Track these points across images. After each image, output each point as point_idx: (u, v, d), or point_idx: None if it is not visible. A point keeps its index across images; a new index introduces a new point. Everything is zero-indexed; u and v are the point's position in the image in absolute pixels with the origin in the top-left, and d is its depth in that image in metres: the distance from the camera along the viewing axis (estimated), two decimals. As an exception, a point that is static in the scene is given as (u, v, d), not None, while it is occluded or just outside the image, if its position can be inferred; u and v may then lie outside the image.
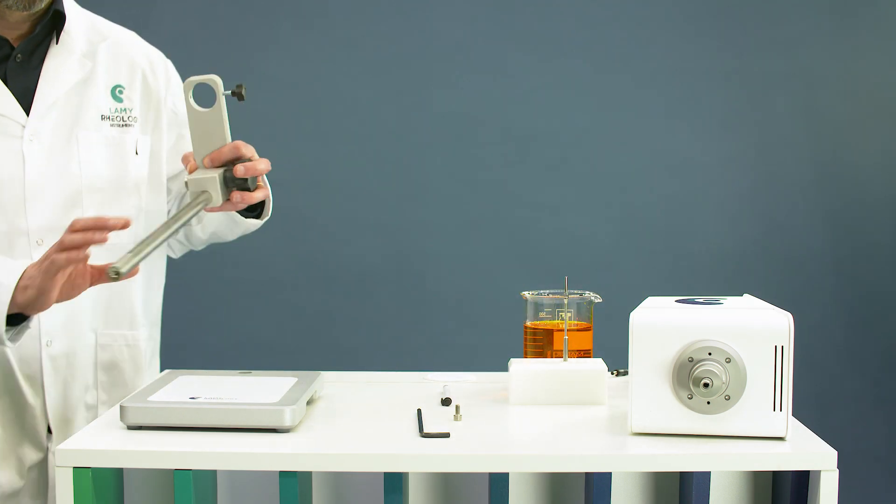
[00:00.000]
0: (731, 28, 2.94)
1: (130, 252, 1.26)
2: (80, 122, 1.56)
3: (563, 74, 2.94)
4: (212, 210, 1.45)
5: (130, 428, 1.26)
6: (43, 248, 1.50)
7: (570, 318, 1.52)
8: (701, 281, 2.89)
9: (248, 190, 1.45)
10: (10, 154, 1.51)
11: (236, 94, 1.47)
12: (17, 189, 1.50)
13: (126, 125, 1.61)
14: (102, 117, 1.59)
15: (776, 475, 1.35)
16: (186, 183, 1.45)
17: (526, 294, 1.56)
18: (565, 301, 1.52)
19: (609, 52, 2.94)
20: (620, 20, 2.94)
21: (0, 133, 1.51)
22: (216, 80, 1.46)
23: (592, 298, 1.54)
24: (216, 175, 1.44)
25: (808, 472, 1.20)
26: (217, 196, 1.44)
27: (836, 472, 1.16)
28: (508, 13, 2.94)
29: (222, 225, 1.67)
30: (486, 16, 2.94)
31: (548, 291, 1.55)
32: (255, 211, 1.63)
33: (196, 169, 1.46)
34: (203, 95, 1.48)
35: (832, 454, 1.16)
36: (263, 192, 1.50)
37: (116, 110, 1.61)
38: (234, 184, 1.45)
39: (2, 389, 1.49)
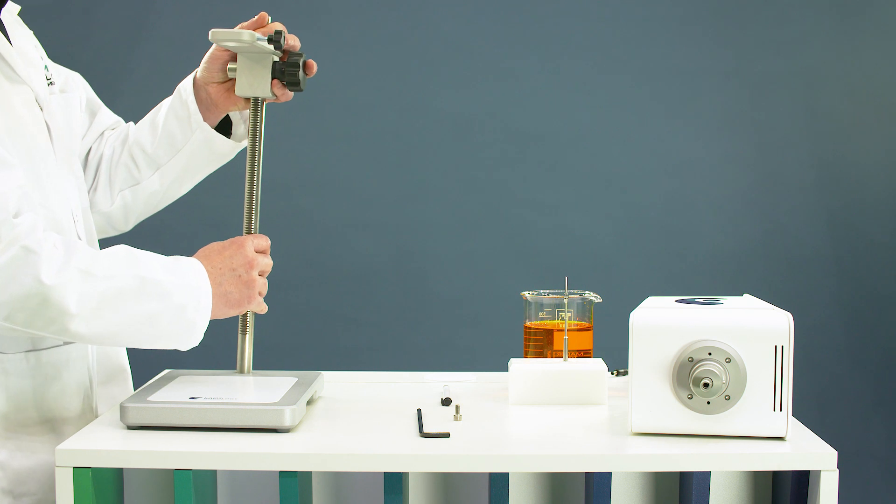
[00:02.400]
0: (731, 28, 2.94)
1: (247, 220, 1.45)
2: (44, 84, 1.47)
3: (563, 74, 2.94)
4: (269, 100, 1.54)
5: (130, 428, 1.26)
6: (79, 223, 1.45)
7: (570, 318, 1.52)
8: (701, 281, 2.90)
9: (299, 88, 1.59)
10: (37, 126, 1.41)
11: (273, 42, 1.53)
12: (52, 163, 1.41)
13: (52, 83, 1.51)
14: (48, 80, 1.49)
15: (776, 475, 1.35)
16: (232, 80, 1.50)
17: (526, 294, 1.56)
18: (565, 301, 1.52)
19: (609, 52, 2.94)
20: (620, 20, 2.94)
21: (24, 104, 1.39)
22: (245, 37, 1.52)
23: (592, 298, 1.54)
24: (266, 92, 1.51)
25: (808, 472, 1.20)
26: (266, 88, 1.51)
27: (836, 472, 1.16)
28: (509, 13, 2.94)
29: (194, 161, 1.61)
30: (486, 16, 2.94)
31: (548, 291, 1.55)
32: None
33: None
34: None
35: (832, 454, 1.16)
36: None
37: (47, 69, 1.51)
38: (283, 77, 1.53)
39: None
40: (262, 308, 1.43)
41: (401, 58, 2.94)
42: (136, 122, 1.69)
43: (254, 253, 1.38)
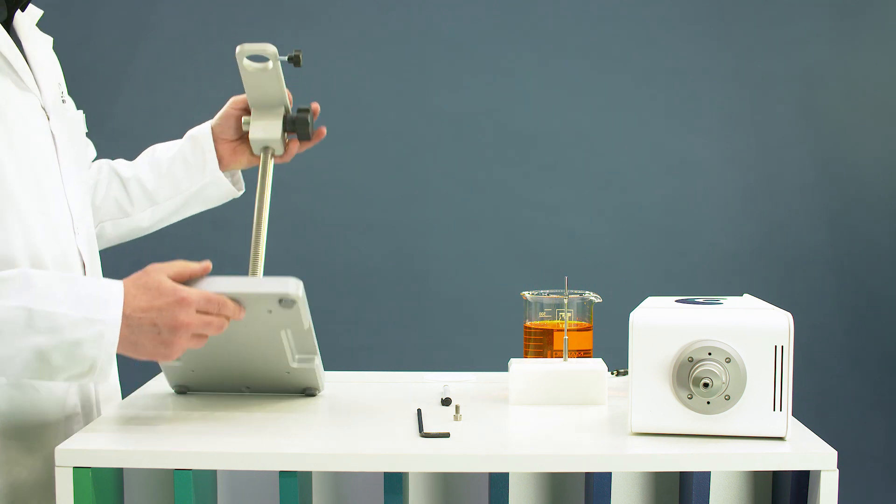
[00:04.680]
0: (731, 28, 2.94)
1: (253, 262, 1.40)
2: (57, 95, 1.48)
3: (563, 74, 2.94)
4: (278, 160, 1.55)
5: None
6: (80, 236, 1.44)
7: (570, 318, 1.52)
8: (701, 281, 2.90)
9: (308, 137, 1.58)
10: (43, 135, 1.40)
11: (293, 61, 1.51)
12: (55, 173, 1.41)
13: (65, 101, 1.52)
14: (62, 97, 1.50)
15: (776, 475, 1.35)
16: (246, 132, 1.54)
17: (526, 294, 1.56)
18: (565, 301, 1.52)
19: (609, 52, 2.94)
20: (620, 20, 2.94)
21: (30, 112, 1.38)
22: (270, 50, 1.50)
23: (592, 298, 1.54)
24: (277, 136, 1.54)
25: (808, 472, 1.20)
26: (280, 146, 1.55)
27: (836, 472, 1.16)
28: (509, 13, 2.94)
29: (191, 203, 1.64)
30: (486, 16, 2.94)
31: (548, 291, 1.55)
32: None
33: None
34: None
35: (832, 454, 1.16)
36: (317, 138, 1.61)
37: (60, 84, 1.52)
38: (294, 126, 1.56)
39: None
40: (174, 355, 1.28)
41: (401, 58, 2.94)
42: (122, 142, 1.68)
43: (195, 317, 1.23)
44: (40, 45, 1.48)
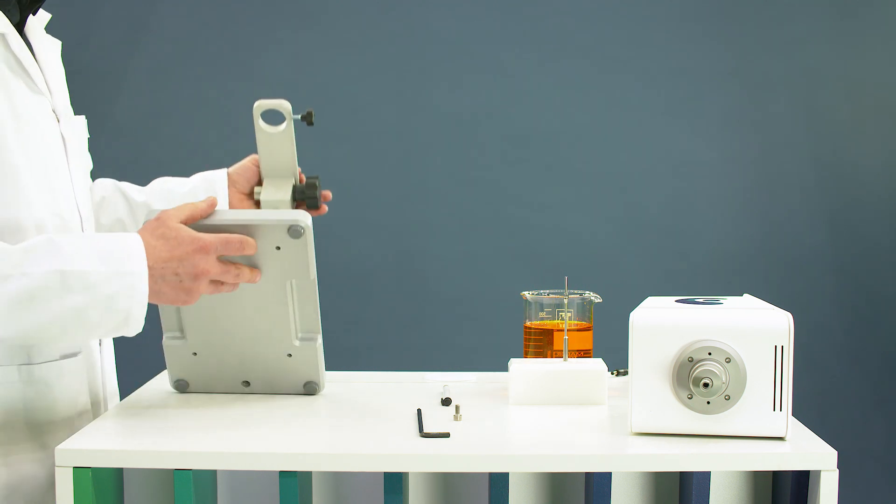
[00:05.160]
0: (731, 28, 2.94)
1: None
2: (67, 98, 1.50)
3: (562, 74, 2.94)
4: None
5: None
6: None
7: (570, 318, 1.52)
8: (701, 281, 2.90)
9: (317, 206, 1.60)
10: (54, 138, 1.42)
11: (305, 119, 1.55)
12: (65, 174, 1.42)
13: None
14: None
15: (776, 475, 1.35)
16: (258, 202, 1.57)
17: (526, 294, 1.56)
18: (565, 301, 1.52)
19: (609, 52, 2.94)
20: (621, 20, 2.94)
21: (41, 114, 1.40)
22: (286, 106, 1.53)
23: (592, 298, 1.54)
24: (287, 197, 1.57)
25: (808, 472, 1.20)
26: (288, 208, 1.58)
27: (836, 472, 1.16)
28: (508, 13, 2.94)
29: None
30: (486, 15, 2.94)
31: (548, 291, 1.55)
32: None
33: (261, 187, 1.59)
34: (270, 118, 1.55)
35: (832, 454, 1.16)
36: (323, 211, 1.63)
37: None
38: (304, 195, 1.59)
39: None
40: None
41: (400, 58, 2.94)
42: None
43: (211, 264, 1.28)
44: (50, 49, 1.49)
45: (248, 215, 1.35)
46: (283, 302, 1.39)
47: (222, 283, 1.31)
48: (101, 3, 2.92)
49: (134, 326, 1.27)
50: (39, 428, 1.38)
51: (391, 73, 2.94)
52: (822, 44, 2.94)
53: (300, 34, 2.92)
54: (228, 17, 2.91)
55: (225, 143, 2.91)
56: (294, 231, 1.34)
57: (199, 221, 1.31)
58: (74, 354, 1.43)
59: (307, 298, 1.41)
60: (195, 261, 1.27)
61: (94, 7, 2.92)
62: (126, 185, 1.67)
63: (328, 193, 1.64)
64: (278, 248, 1.35)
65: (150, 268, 1.25)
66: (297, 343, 1.42)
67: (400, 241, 2.96)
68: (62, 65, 1.53)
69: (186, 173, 1.67)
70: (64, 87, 1.50)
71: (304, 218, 1.35)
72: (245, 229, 1.33)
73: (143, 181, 1.73)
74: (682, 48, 2.94)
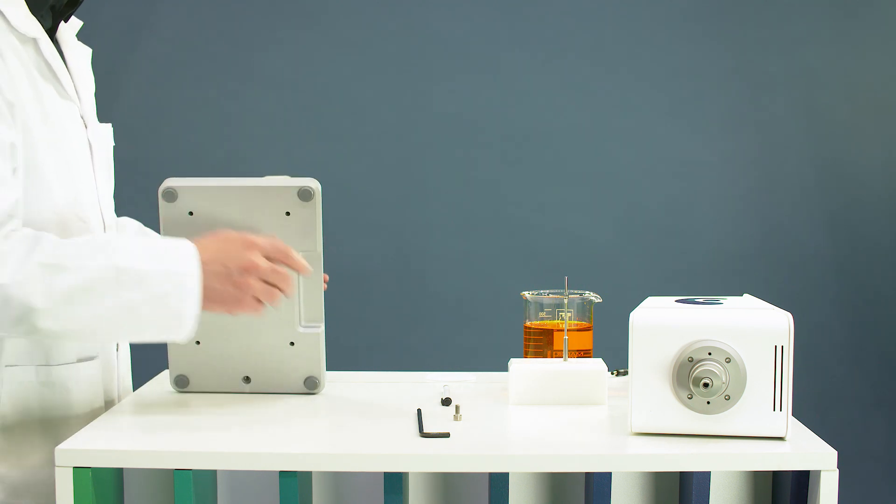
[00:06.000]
0: (732, 28, 2.94)
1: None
2: (93, 105, 1.51)
3: (562, 74, 2.94)
4: None
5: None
6: None
7: (570, 318, 1.52)
8: (701, 281, 2.90)
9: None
10: (81, 143, 1.43)
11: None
12: (90, 180, 1.43)
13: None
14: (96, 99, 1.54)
15: (776, 475, 1.35)
16: None
17: (526, 294, 1.56)
18: (565, 301, 1.52)
19: (609, 52, 2.94)
20: (621, 20, 2.94)
21: (69, 119, 1.40)
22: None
23: (592, 298, 1.54)
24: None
25: (808, 472, 1.20)
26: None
27: (836, 472, 1.16)
28: (508, 13, 2.94)
29: None
30: (485, 16, 2.94)
31: (548, 291, 1.55)
32: None
33: None
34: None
35: (832, 454, 1.16)
36: None
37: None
38: None
39: None
40: (255, 310, 1.32)
41: (400, 58, 2.94)
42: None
43: (260, 259, 1.29)
44: (81, 56, 1.51)
45: (258, 180, 1.38)
46: (290, 277, 1.40)
47: (272, 288, 1.30)
48: (101, 3, 2.92)
49: (185, 327, 1.26)
50: (55, 429, 1.38)
51: (391, 73, 2.94)
52: (822, 44, 2.94)
53: (300, 34, 2.92)
54: (228, 17, 2.91)
55: (225, 143, 2.91)
56: (304, 193, 1.37)
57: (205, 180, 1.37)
58: (91, 358, 1.43)
59: (314, 277, 1.41)
60: (242, 253, 1.28)
61: (95, 8, 2.92)
62: (151, 232, 1.67)
63: (325, 277, 1.58)
64: (288, 213, 1.38)
65: (201, 263, 1.26)
66: (300, 329, 1.42)
67: (400, 241, 2.96)
68: (92, 72, 1.54)
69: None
70: (92, 95, 1.52)
71: (313, 183, 1.38)
72: (256, 192, 1.37)
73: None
74: (682, 48, 2.94)
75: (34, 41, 1.35)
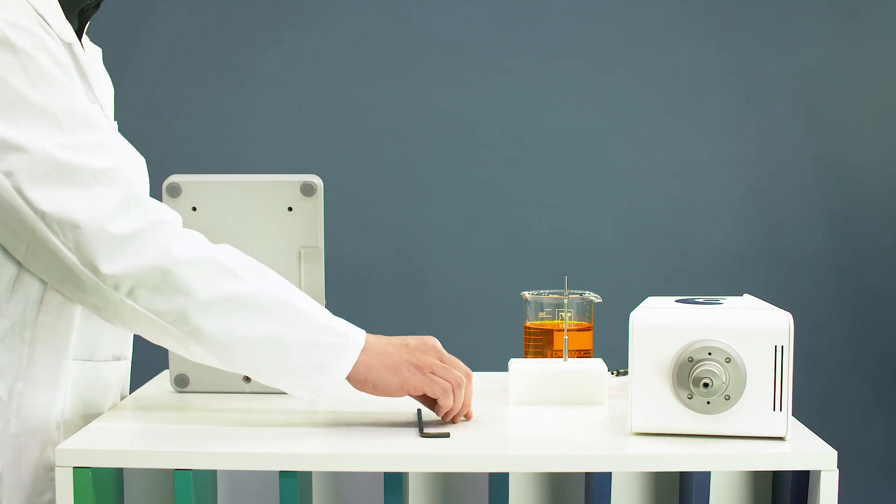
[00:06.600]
0: (732, 28, 2.94)
1: None
2: (110, 106, 1.50)
3: (563, 74, 2.94)
4: None
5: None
6: None
7: (570, 318, 1.52)
8: (701, 281, 2.90)
9: None
10: None
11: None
12: None
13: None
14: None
15: (776, 475, 1.35)
16: None
17: (526, 294, 1.56)
18: (565, 301, 1.52)
19: (609, 52, 2.94)
20: (621, 20, 2.94)
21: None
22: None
23: (592, 298, 1.54)
24: None
25: (808, 472, 1.20)
26: None
27: (836, 472, 1.16)
28: (508, 13, 2.94)
29: None
30: (485, 16, 2.94)
31: (548, 291, 1.55)
32: None
33: None
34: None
35: (832, 454, 1.16)
36: None
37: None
38: None
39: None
40: (444, 400, 1.25)
41: (400, 58, 2.94)
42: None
43: (438, 350, 1.27)
44: (95, 57, 1.51)
45: (261, 176, 1.41)
46: (291, 273, 1.42)
47: (439, 384, 1.26)
48: (101, 3, 2.91)
49: (325, 384, 1.24)
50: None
51: (392, 73, 2.94)
52: (822, 44, 2.94)
53: (300, 34, 2.92)
54: (228, 17, 2.91)
55: (225, 144, 2.91)
56: (307, 188, 1.39)
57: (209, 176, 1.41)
58: (125, 358, 1.43)
59: (314, 272, 1.43)
60: (425, 339, 1.28)
61: (101, 5, 2.91)
62: None
63: None
64: (290, 208, 1.39)
65: (370, 340, 1.25)
66: None
67: (400, 241, 2.96)
68: (106, 72, 1.54)
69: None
70: (111, 96, 1.51)
71: (316, 179, 1.40)
72: (259, 187, 1.38)
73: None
74: (682, 48, 2.94)
75: (69, 46, 1.35)
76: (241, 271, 1.21)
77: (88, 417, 1.35)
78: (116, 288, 1.18)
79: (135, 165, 1.31)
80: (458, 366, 1.29)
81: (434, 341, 1.29)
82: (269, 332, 1.20)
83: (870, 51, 2.96)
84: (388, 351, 1.26)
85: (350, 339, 1.24)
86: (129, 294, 1.18)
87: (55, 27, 1.30)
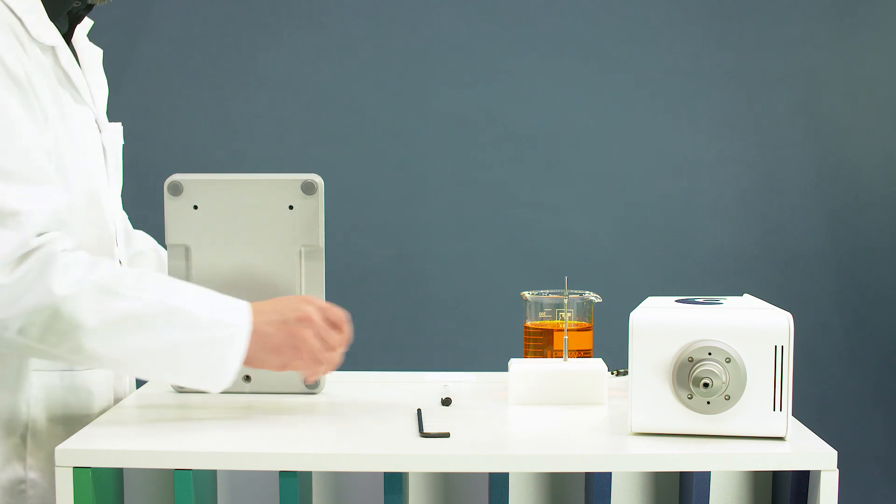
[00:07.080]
0: (731, 28, 2.94)
1: None
2: (103, 107, 1.51)
3: (563, 74, 2.94)
4: None
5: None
6: (120, 247, 1.46)
7: (570, 318, 1.52)
8: (701, 281, 2.90)
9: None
10: (95, 148, 1.42)
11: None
12: (104, 186, 1.43)
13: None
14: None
15: (776, 475, 1.35)
16: None
17: (526, 294, 1.56)
18: (565, 301, 1.52)
19: (609, 52, 2.94)
20: (620, 20, 2.94)
21: (86, 125, 1.41)
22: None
23: (592, 298, 1.54)
24: None
25: (808, 472, 1.20)
26: None
27: (836, 472, 1.16)
28: (508, 13, 2.94)
29: None
30: (485, 16, 2.94)
31: (548, 291, 1.55)
32: None
33: None
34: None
35: (832, 454, 1.16)
36: None
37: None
38: None
39: None
40: (313, 373, 1.32)
41: (401, 58, 2.94)
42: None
43: (317, 316, 1.30)
44: (93, 58, 1.51)
45: (262, 175, 1.42)
46: (292, 272, 1.41)
47: (326, 350, 1.30)
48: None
49: (223, 379, 1.27)
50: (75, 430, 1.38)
51: (392, 74, 2.94)
52: (822, 44, 2.94)
53: (301, 34, 2.92)
54: (228, 17, 2.91)
55: (224, 143, 2.91)
56: (307, 186, 1.40)
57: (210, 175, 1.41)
58: None
59: (315, 271, 1.43)
60: (300, 305, 1.30)
61: (96, 7, 2.91)
62: (163, 250, 1.66)
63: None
64: (291, 207, 1.40)
65: (253, 321, 1.27)
66: None
67: (400, 241, 2.96)
68: (104, 73, 1.54)
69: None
70: (105, 97, 1.52)
71: (316, 176, 1.41)
72: (260, 186, 1.39)
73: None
74: (682, 48, 2.94)
75: (52, 49, 1.35)
76: (123, 289, 1.22)
77: (71, 424, 1.36)
78: (5, 328, 1.20)
79: (51, 196, 1.26)
80: (331, 337, 1.31)
81: (309, 307, 1.30)
82: (162, 342, 1.23)
83: (869, 51, 2.96)
84: (269, 332, 1.28)
85: (237, 327, 1.26)
86: (20, 332, 1.20)
87: (33, 31, 1.29)
